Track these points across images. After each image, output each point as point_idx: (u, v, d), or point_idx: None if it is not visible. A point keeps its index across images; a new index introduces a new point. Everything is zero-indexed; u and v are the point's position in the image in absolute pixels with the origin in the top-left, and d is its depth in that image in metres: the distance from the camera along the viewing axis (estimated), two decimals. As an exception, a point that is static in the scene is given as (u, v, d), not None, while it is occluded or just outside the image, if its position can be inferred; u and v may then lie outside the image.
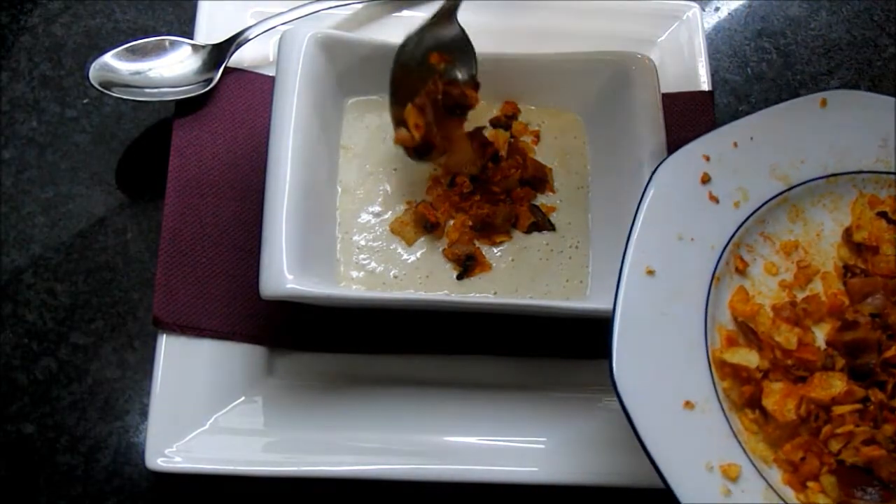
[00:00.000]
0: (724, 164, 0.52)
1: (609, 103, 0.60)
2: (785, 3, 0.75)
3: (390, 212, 0.58)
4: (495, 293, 0.56)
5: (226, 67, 0.62)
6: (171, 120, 0.61)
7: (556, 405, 0.55)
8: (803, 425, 0.48)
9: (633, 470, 0.53)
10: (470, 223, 0.57)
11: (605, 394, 0.56)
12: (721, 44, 0.72)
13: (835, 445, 0.47)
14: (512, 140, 0.61)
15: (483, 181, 0.58)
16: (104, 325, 0.57)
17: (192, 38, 0.63)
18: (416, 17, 0.67)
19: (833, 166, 0.54)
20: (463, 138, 0.58)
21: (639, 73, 0.59)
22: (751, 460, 0.46)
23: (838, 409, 0.47)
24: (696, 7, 0.69)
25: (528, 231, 0.58)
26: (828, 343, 0.51)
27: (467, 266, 0.56)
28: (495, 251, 0.57)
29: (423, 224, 0.57)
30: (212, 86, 0.62)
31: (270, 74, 0.58)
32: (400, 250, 0.57)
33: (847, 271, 0.53)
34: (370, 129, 0.60)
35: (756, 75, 0.71)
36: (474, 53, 0.58)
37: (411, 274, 0.56)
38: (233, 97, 0.62)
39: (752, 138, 0.53)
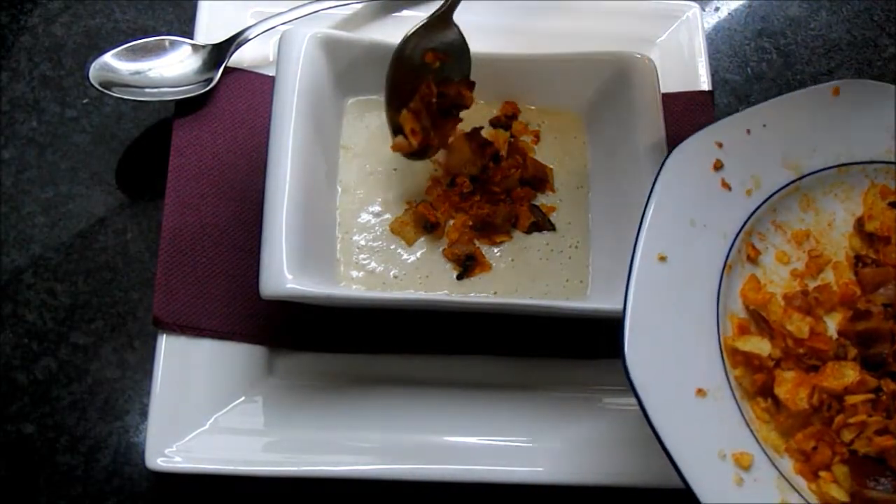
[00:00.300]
0: (736, 151, 0.52)
1: (609, 103, 0.60)
2: (785, 3, 0.75)
3: (390, 212, 0.58)
4: (495, 293, 0.56)
5: (226, 67, 0.62)
6: (171, 120, 0.61)
7: (556, 405, 0.55)
8: (815, 414, 0.48)
9: (634, 470, 0.53)
10: (470, 223, 0.57)
11: (605, 394, 0.56)
12: (721, 44, 0.72)
13: (847, 435, 0.47)
14: (512, 140, 0.61)
15: (483, 181, 0.58)
16: (104, 325, 0.57)
17: (192, 38, 0.63)
18: (416, 17, 0.67)
19: (845, 156, 0.54)
20: (461, 139, 0.58)
21: (639, 73, 0.59)
22: (763, 449, 0.46)
23: (851, 399, 0.47)
24: (696, 7, 0.69)
25: (529, 231, 0.58)
26: (839, 333, 0.51)
27: (467, 266, 0.56)
28: (495, 251, 0.57)
29: (423, 224, 0.57)
30: (212, 86, 0.62)
31: (270, 74, 0.58)
32: (400, 250, 0.57)
33: (858, 261, 0.53)
34: (370, 129, 0.60)
35: (756, 75, 0.71)
36: (469, 54, 0.57)
37: (411, 274, 0.56)
38: (233, 97, 0.62)
39: (764, 126, 0.53)
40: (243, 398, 0.54)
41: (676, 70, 0.66)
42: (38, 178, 0.61)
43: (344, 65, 0.59)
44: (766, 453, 0.46)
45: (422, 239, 0.57)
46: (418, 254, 0.57)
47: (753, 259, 0.52)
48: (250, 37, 0.63)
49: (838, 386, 0.48)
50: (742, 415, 0.46)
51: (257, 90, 0.62)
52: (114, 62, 0.61)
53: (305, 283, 0.50)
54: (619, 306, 0.46)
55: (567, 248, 0.58)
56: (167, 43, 0.62)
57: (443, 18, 0.56)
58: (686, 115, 0.64)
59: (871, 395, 0.48)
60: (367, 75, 0.59)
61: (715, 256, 0.49)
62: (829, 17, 0.74)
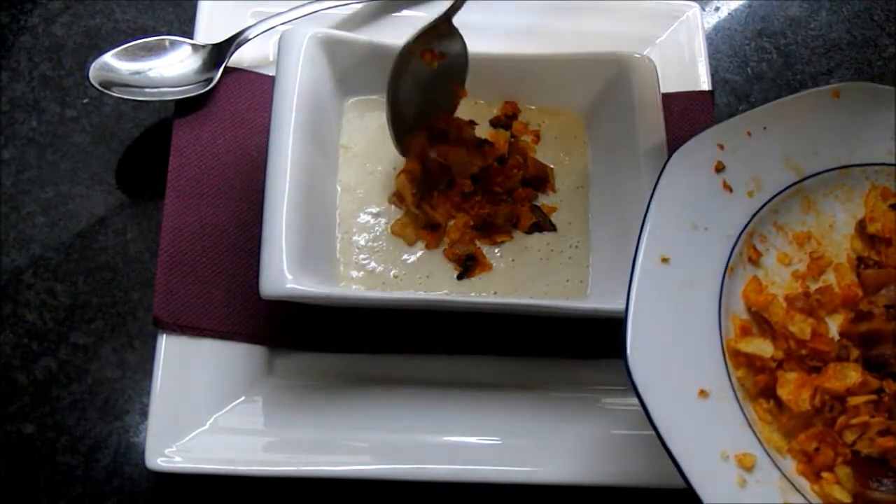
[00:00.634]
0: (738, 153, 0.52)
1: (609, 103, 0.60)
2: (785, 3, 0.75)
3: (390, 212, 0.58)
4: (495, 293, 0.56)
5: (226, 67, 0.62)
6: (171, 120, 0.61)
7: (556, 405, 0.55)
8: (818, 416, 0.48)
9: (634, 470, 0.53)
10: (471, 223, 0.57)
11: (605, 394, 0.56)
12: (721, 44, 0.72)
13: (849, 436, 0.47)
14: (512, 140, 0.61)
15: (483, 181, 0.58)
16: (104, 325, 0.57)
17: (192, 38, 0.63)
18: (415, 17, 0.67)
19: (846, 158, 0.54)
20: (456, 142, 0.58)
21: (639, 73, 0.59)
22: (765, 450, 0.46)
23: (853, 400, 0.47)
24: (696, 7, 0.69)
25: (529, 231, 0.58)
26: (841, 334, 0.51)
27: (468, 266, 0.56)
28: (496, 251, 0.57)
29: (423, 225, 0.57)
30: (212, 86, 0.62)
31: (270, 74, 0.58)
32: (400, 250, 0.57)
33: (860, 263, 0.53)
34: (370, 129, 0.60)
35: (756, 75, 0.71)
36: (467, 60, 0.58)
37: (411, 274, 0.56)
38: (233, 97, 0.62)
39: (765, 128, 0.53)
40: (243, 398, 0.54)
41: (676, 70, 0.66)
42: (38, 178, 0.61)
43: (344, 65, 0.59)
44: (768, 454, 0.46)
45: (422, 239, 0.57)
46: (418, 254, 0.57)
47: (755, 261, 0.52)
48: (250, 37, 0.63)
49: (840, 387, 0.47)
50: (744, 416, 0.46)
51: (257, 90, 0.62)
52: (114, 62, 0.61)
53: (305, 283, 0.50)
54: (619, 306, 0.46)
55: (567, 248, 0.58)
56: (167, 43, 0.62)
57: (444, 23, 0.56)
58: (686, 115, 0.64)
59: (873, 397, 0.47)
60: (367, 75, 0.59)
61: (717, 258, 0.49)
62: (829, 17, 0.74)
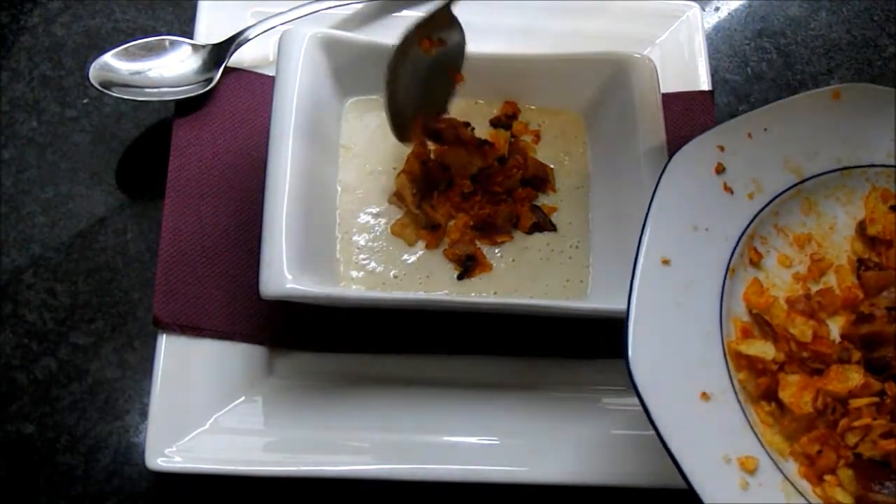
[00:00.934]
0: (738, 154, 0.52)
1: (609, 103, 0.60)
2: (785, 3, 0.75)
3: (390, 212, 0.58)
4: (495, 293, 0.56)
5: (226, 67, 0.62)
6: (171, 120, 0.61)
7: (556, 405, 0.55)
8: (820, 418, 0.48)
9: (634, 470, 0.53)
10: (471, 223, 0.57)
11: (605, 394, 0.56)
12: (721, 44, 0.72)
13: (852, 439, 0.47)
14: (512, 140, 0.61)
15: (483, 181, 0.58)
16: (104, 325, 0.57)
17: (192, 38, 0.63)
18: (415, 18, 0.67)
19: (846, 159, 0.54)
20: (456, 143, 0.58)
21: (639, 73, 0.59)
22: (768, 453, 0.46)
23: (855, 403, 0.47)
24: (696, 7, 0.69)
25: (530, 231, 0.58)
26: (843, 336, 0.51)
27: (468, 266, 0.56)
28: (496, 251, 0.57)
29: (423, 225, 0.57)
30: (212, 86, 0.62)
31: (270, 74, 0.58)
32: (400, 251, 0.57)
33: (861, 265, 0.53)
34: (370, 128, 0.60)
35: (756, 75, 0.71)
36: (464, 49, 0.57)
37: (411, 274, 0.56)
38: (233, 97, 0.62)
39: (765, 129, 0.53)
40: (243, 398, 0.54)
41: (676, 70, 0.66)
42: (38, 178, 0.61)
43: (344, 65, 0.59)
44: (770, 457, 0.46)
45: (422, 239, 0.57)
46: (418, 254, 0.57)
47: (756, 262, 0.52)
48: (250, 37, 0.63)
49: (842, 389, 0.47)
50: (746, 418, 0.46)
51: (257, 90, 0.62)
52: (114, 62, 0.61)
53: (305, 283, 0.50)
54: (619, 306, 0.46)
55: (567, 248, 0.58)
56: (167, 43, 0.62)
57: (444, 11, 0.56)
58: (686, 115, 0.64)
59: (875, 399, 0.47)
60: (367, 75, 0.59)
61: (717, 260, 0.49)
62: (829, 17, 0.74)
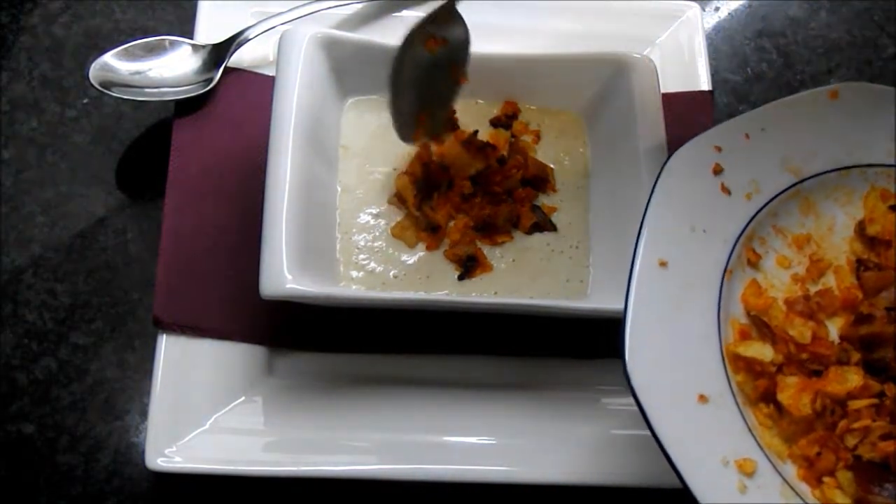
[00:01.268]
0: (735, 155, 0.51)
1: (609, 103, 0.60)
2: (785, 3, 0.75)
3: (390, 212, 0.58)
4: (496, 293, 0.56)
5: (226, 67, 0.62)
6: (171, 120, 0.61)
7: (556, 405, 0.55)
8: (818, 420, 0.47)
9: (634, 470, 0.53)
10: (472, 224, 0.57)
11: (605, 394, 0.56)
12: (721, 44, 0.72)
13: (851, 441, 0.47)
14: (513, 140, 0.61)
15: (483, 182, 0.58)
16: (104, 325, 0.57)
17: (192, 38, 0.63)
18: (416, 18, 0.67)
19: (844, 159, 0.54)
20: (457, 145, 0.58)
21: (639, 73, 0.59)
22: (766, 455, 0.45)
23: (854, 404, 0.47)
24: (696, 7, 0.69)
25: (530, 231, 0.58)
26: (842, 337, 0.50)
27: (468, 267, 0.56)
28: (496, 251, 0.57)
29: (424, 227, 0.57)
30: (212, 86, 0.62)
31: (270, 74, 0.58)
32: (400, 251, 0.57)
33: (860, 265, 0.53)
34: (370, 128, 0.60)
35: (756, 75, 0.71)
36: (469, 46, 0.56)
37: (411, 274, 0.56)
38: (233, 97, 0.62)
39: (763, 130, 0.52)
40: (243, 398, 0.54)
41: (676, 70, 0.66)
42: (38, 178, 0.61)
43: (344, 65, 0.59)
44: (769, 460, 0.45)
45: (422, 241, 0.57)
46: (419, 254, 0.57)
47: (754, 264, 0.51)
48: (250, 37, 0.63)
49: (841, 391, 0.47)
50: (745, 421, 0.46)
51: (257, 90, 0.62)
52: (114, 62, 0.61)
53: (305, 283, 0.50)
54: (619, 306, 0.46)
55: (567, 248, 0.58)
56: (167, 43, 0.62)
57: (448, 10, 0.55)
58: (686, 115, 0.64)
59: (874, 400, 0.47)
60: (367, 75, 0.59)
61: (715, 261, 0.49)
62: (829, 17, 0.74)
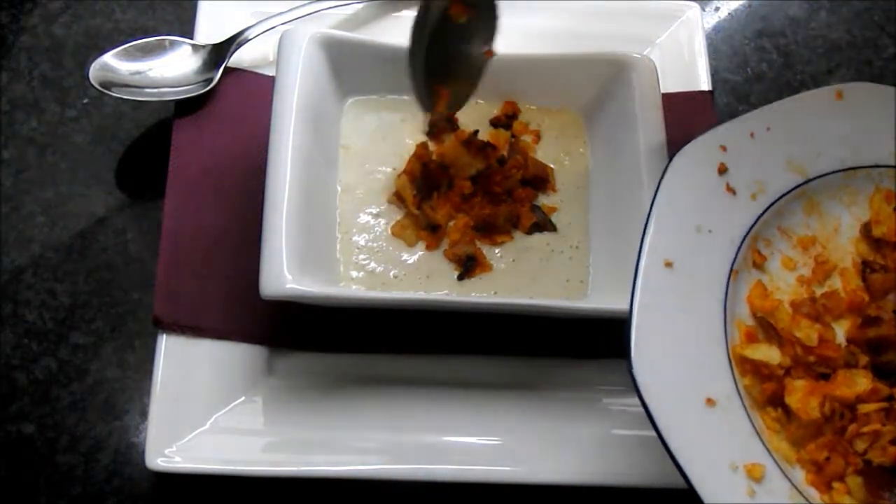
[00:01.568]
0: (740, 154, 0.51)
1: (609, 103, 0.60)
2: (785, 3, 0.75)
3: (390, 212, 0.58)
4: (495, 293, 0.56)
5: (226, 67, 0.62)
6: (171, 120, 0.61)
7: (556, 405, 0.55)
8: (827, 424, 0.47)
9: (634, 470, 0.53)
10: (472, 224, 0.57)
11: (606, 394, 0.56)
12: (721, 44, 0.72)
13: (860, 445, 0.46)
14: (512, 140, 0.61)
15: (483, 182, 0.58)
16: (104, 325, 0.57)
17: (192, 38, 0.63)
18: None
19: (849, 160, 0.53)
20: (457, 145, 0.58)
21: (639, 73, 0.59)
22: (774, 460, 0.45)
23: (863, 408, 0.46)
24: (696, 7, 0.69)
25: (530, 231, 0.58)
26: (849, 340, 0.50)
27: (468, 266, 0.56)
28: (496, 251, 0.57)
29: (424, 226, 0.57)
30: (212, 86, 0.62)
31: (270, 74, 0.57)
32: (400, 251, 0.57)
33: (867, 267, 0.52)
34: (370, 129, 0.60)
35: (756, 75, 0.71)
36: (497, 13, 0.55)
37: (411, 274, 0.56)
38: (233, 97, 0.62)
39: (768, 129, 0.52)
40: (243, 398, 0.54)
41: (676, 70, 0.66)
42: (38, 178, 0.61)
43: (344, 65, 0.59)
44: (777, 464, 0.45)
45: (422, 240, 0.57)
46: (418, 254, 0.57)
47: (759, 265, 0.51)
48: (250, 37, 0.63)
49: (850, 394, 0.47)
50: (752, 425, 0.45)
51: (257, 90, 0.62)
52: (114, 62, 0.61)
53: (305, 283, 0.50)
54: (620, 306, 0.46)
55: (567, 248, 0.58)
56: (167, 43, 0.62)
57: None
58: (686, 115, 0.64)
59: (884, 404, 0.47)
60: (367, 75, 0.59)
61: (721, 262, 0.49)
62: (829, 17, 0.74)
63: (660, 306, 0.46)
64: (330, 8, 0.65)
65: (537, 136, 0.62)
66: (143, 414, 0.55)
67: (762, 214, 0.51)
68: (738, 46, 0.72)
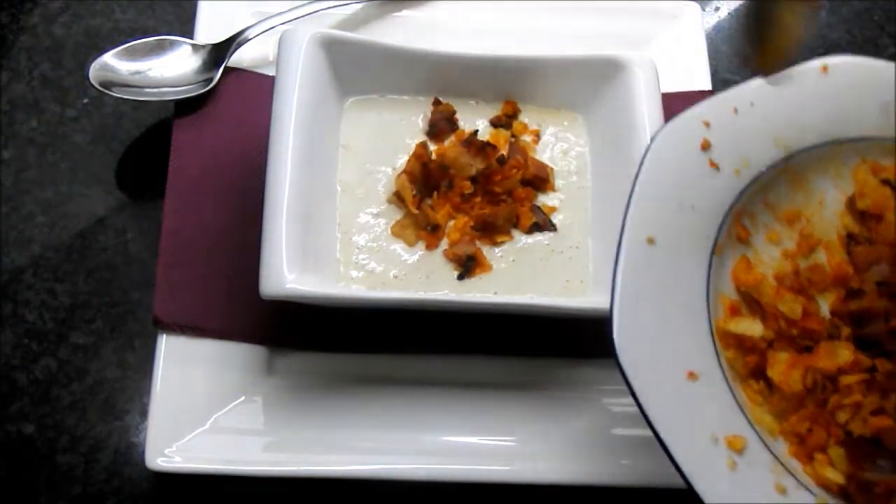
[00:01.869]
0: (724, 130, 0.50)
1: (609, 103, 0.60)
2: (785, 3, 0.75)
3: (390, 212, 0.58)
4: (495, 293, 0.56)
5: (226, 67, 0.62)
6: (171, 120, 0.61)
7: (556, 405, 0.55)
8: (809, 396, 0.47)
9: (633, 470, 0.53)
10: (471, 224, 0.57)
11: (605, 394, 0.56)
12: (721, 44, 0.72)
13: (842, 416, 0.46)
14: (512, 140, 0.61)
15: (483, 182, 0.58)
16: (104, 325, 0.57)
17: (192, 38, 0.63)
18: (416, 17, 0.67)
19: (834, 133, 0.53)
20: (457, 145, 0.58)
21: (639, 73, 0.59)
22: (756, 432, 0.45)
23: (845, 380, 0.46)
24: (696, 7, 0.69)
25: (530, 231, 0.58)
26: (833, 313, 0.50)
27: (468, 266, 0.56)
28: (496, 251, 0.57)
29: (423, 226, 0.57)
30: (212, 86, 0.62)
31: (270, 74, 0.57)
32: (400, 251, 0.57)
33: (851, 240, 0.52)
34: (370, 128, 0.60)
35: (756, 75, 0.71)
36: None
37: (411, 274, 0.56)
38: (233, 97, 0.62)
39: (752, 104, 0.51)
40: (243, 398, 0.54)
41: (676, 70, 0.66)
42: (38, 178, 0.61)
43: (344, 65, 0.59)
44: (759, 436, 0.45)
45: (422, 240, 0.57)
46: (418, 254, 0.57)
47: (744, 240, 0.51)
48: (250, 37, 0.63)
49: (832, 366, 0.47)
50: (734, 398, 0.45)
51: (257, 90, 0.62)
52: (114, 62, 0.61)
53: (305, 283, 0.50)
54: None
55: (567, 248, 0.58)
56: (167, 43, 0.62)
57: None
58: (686, 115, 0.64)
59: (865, 376, 0.47)
60: (367, 75, 0.59)
61: (704, 237, 0.48)
62: (829, 17, 0.74)
63: (642, 282, 0.45)
64: (330, 8, 0.65)
65: (537, 136, 0.62)
66: (143, 414, 0.55)
67: (746, 189, 0.50)
68: (738, 46, 0.72)
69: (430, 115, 0.60)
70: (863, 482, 0.45)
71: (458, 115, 0.61)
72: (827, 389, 0.47)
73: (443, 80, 0.60)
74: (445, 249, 0.57)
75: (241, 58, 0.64)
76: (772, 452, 0.45)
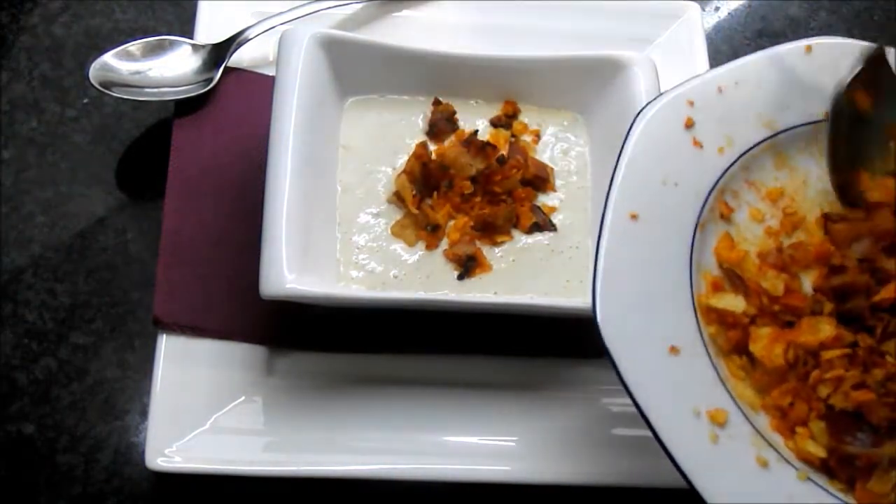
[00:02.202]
0: (708, 109, 0.51)
1: (609, 103, 0.60)
2: (785, 3, 0.75)
3: (390, 212, 0.58)
4: (495, 293, 0.56)
5: (226, 67, 0.62)
6: (171, 120, 0.61)
7: (555, 405, 0.55)
8: (791, 371, 0.47)
9: (634, 470, 0.53)
10: (471, 224, 0.57)
11: (605, 394, 0.56)
12: (721, 44, 0.72)
13: (824, 391, 0.46)
14: (512, 140, 0.61)
15: (483, 182, 0.58)
16: (104, 325, 0.57)
17: (192, 38, 0.63)
18: (416, 17, 0.67)
19: (818, 113, 0.53)
20: (457, 145, 0.58)
21: (639, 73, 0.59)
22: (738, 406, 0.45)
23: (827, 354, 0.47)
24: (696, 7, 0.69)
25: (530, 231, 0.58)
26: (815, 289, 0.50)
27: (468, 266, 0.56)
28: (496, 251, 0.57)
29: (423, 226, 0.57)
30: (212, 86, 0.62)
31: (270, 74, 0.57)
32: (400, 251, 0.57)
33: (827, 219, 0.52)
34: (370, 128, 0.60)
35: (756, 75, 0.71)
36: None
37: (411, 274, 0.56)
38: (233, 97, 0.62)
39: (736, 83, 0.52)
40: (243, 398, 0.54)
41: (676, 70, 0.66)
42: (38, 178, 0.61)
43: (344, 65, 0.59)
44: (741, 410, 0.45)
45: (422, 240, 0.57)
46: (418, 254, 0.57)
47: (727, 217, 0.51)
48: (250, 37, 0.63)
49: (814, 341, 0.47)
50: (717, 372, 0.45)
51: (257, 90, 0.62)
52: (114, 62, 0.61)
53: (305, 283, 0.50)
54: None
55: (567, 248, 0.58)
56: (167, 43, 0.62)
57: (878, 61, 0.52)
58: (686, 115, 0.64)
59: (847, 350, 0.47)
60: (367, 75, 0.59)
61: (687, 214, 0.49)
62: (828, 17, 0.74)
63: (625, 257, 0.46)
64: (330, 8, 0.65)
65: (537, 136, 0.62)
66: (143, 414, 0.55)
67: (729, 168, 0.50)
68: (738, 46, 0.72)
69: (430, 115, 0.60)
70: (844, 455, 0.45)
71: (458, 115, 0.61)
72: (809, 364, 0.47)
73: (443, 80, 0.60)
74: (445, 249, 0.57)
75: (241, 58, 0.64)
76: (753, 426, 0.45)
